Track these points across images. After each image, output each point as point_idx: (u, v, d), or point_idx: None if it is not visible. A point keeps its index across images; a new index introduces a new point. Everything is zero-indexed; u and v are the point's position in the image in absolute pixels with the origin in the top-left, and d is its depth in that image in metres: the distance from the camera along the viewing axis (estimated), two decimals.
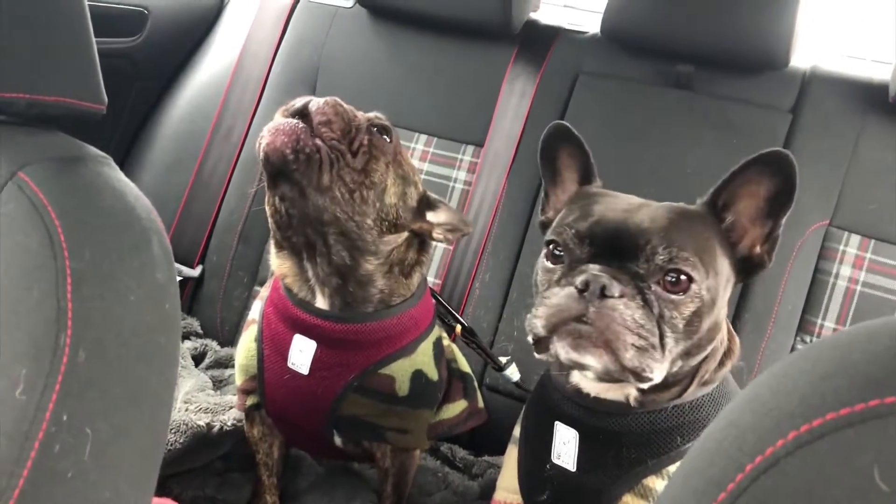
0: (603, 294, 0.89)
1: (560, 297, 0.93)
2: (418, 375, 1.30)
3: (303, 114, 1.14)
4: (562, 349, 0.93)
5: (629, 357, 0.90)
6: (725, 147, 1.75)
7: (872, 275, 1.62)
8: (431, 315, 1.38)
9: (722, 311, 0.98)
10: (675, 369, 0.96)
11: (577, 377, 1.06)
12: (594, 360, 0.92)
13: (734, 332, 1.09)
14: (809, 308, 1.65)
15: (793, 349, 1.65)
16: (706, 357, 1.02)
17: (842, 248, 1.65)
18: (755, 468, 0.44)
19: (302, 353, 1.26)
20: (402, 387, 1.28)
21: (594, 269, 0.92)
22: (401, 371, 1.28)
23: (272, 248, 1.28)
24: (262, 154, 1.12)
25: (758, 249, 1.01)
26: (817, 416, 0.43)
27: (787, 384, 0.47)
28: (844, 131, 1.70)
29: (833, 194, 1.68)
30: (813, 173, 1.69)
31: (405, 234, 1.27)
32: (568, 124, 1.10)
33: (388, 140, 1.22)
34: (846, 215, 1.67)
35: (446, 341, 1.50)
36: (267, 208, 1.21)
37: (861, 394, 0.42)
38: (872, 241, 1.63)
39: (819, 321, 1.64)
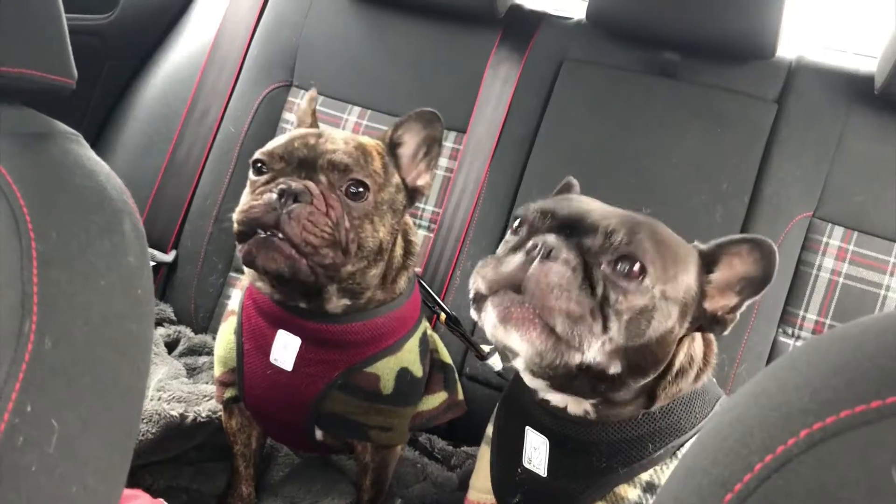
0: (548, 258, 0.87)
1: (507, 256, 0.91)
2: (403, 373, 1.28)
3: (282, 195, 1.11)
4: (490, 319, 0.89)
5: (559, 322, 0.85)
6: (710, 136, 1.74)
7: (855, 267, 1.62)
8: (419, 312, 1.35)
9: (674, 332, 0.94)
10: (613, 370, 0.91)
11: (538, 385, 1.01)
12: (519, 338, 0.87)
13: (712, 341, 1.07)
14: (792, 300, 1.65)
15: (775, 341, 1.64)
16: (678, 375, 0.99)
17: (825, 239, 1.65)
18: (765, 467, 0.42)
19: (286, 349, 1.23)
20: (387, 385, 1.25)
21: (548, 236, 0.90)
22: (386, 369, 1.25)
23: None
24: (254, 266, 1.13)
25: (719, 314, 0.99)
26: (830, 413, 0.41)
27: (795, 378, 0.45)
28: (829, 123, 1.70)
29: (817, 186, 1.67)
30: (797, 164, 1.68)
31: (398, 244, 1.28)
32: (576, 183, 1.16)
33: (365, 197, 1.16)
34: (830, 207, 1.66)
35: (428, 331, 1.47)
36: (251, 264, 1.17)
37: (876, 389, 0.40)
38: (856, 234, 1.63)
39: (801, 313, 1.64)
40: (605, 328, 0.87)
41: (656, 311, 0.90)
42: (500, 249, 0.98)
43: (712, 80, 1.79)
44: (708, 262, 0.98)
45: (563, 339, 0.86)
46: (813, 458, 0.40)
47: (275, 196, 1.09)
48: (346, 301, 1.21)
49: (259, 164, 1.17)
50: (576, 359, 0.88)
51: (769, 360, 1.63)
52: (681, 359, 0.99)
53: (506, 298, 0.88)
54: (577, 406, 1.00)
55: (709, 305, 0.98)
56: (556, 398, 1.01)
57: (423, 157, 1.26)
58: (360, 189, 1.15)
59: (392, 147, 1.25)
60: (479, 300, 0.92)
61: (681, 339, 0.98)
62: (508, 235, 0.99)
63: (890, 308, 1.58)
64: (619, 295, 0.88)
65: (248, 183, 1.17)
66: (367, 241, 1.16)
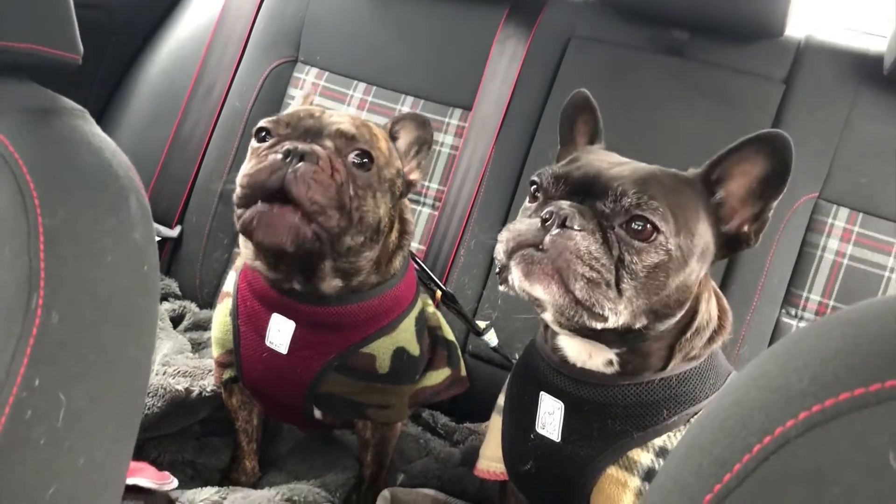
0: (564, 225, 0.90)
1: (524, 224, 0.94)
2: (400, 352, 1.28)
3: (286, 157, 1.08)
4: (515, 275, 0.93)
5: (579, 287, 0.89)
6: (717, 115, 1.73)
7: (859, 248, 1.62)
8: (414, 290, 1.36)
9: (693, 276, 0.96)
10: (639, 324, 0.94)
11: (561, 342, 1.05)
12: (543, 291, 0.91)
13: (727, 309, 1.08)
14: (795, 280, 1.65)
15: (778, 321, 1.64)
16: (691, 333, 1.01)
17: (830, 220, 1.64)
18: (763, 448, 0.42)
19: (280, 333, 1.23)
20: (383, 364, 1.26)
21: (562, 203, 0.92)
22: (382, 349, 1.26)
23: (242, 238, 1.22)
24: (252, 238, 1.10)
25: (745, 228, 0.99)
26: (830, 395, 0.41)
27: (796, 361, 0.45)
28: (837, 103, 1.68)
29: (824, 167, 1.66)
30: (804, 145, 1.67)
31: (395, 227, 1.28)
32: (588, 94, 1.14)
33: (369, 168, 1.16)
34: (836, 188, 1.65)
35: (431, 308, 1.48)
36: (243, 240, 1.18)
37: (876, 373, 0.40)
38: (861, 215, 1.63)
39: (805, 294, 1.64)
40: (620, 291, 0.90)
41: (672, 261, 0.92)
42: (520, 215, 1.01)
43: (720, 58, 1.78)
44: (712, 183, 0.98)
45: (581, 302, 0.90)
46: (811, 440, 0.40)
47: (280, 156, 1.07)
48: (340, 282, 1.21)
49: (263, 133, 1.15)
50: (598, 325, 0.92)
51: (772, 341, 1.63)
52: (701, 315, 1.01)
53: (527, 255, 0.91)
54: (600, 357, 1.02)
55: (732, 224, 0.99)
56: (580, 351, 1.03)
57: (414, 155, 1.28)
58: (366, 160, 1.15)
59: (391, 139, 1.27)
60: (503, 269, 0.95)
61: (699, 294, 1.00)
62: (527, 202, 1.02)
63: (893, 289, 1.58)
64: (634, 255, 0.91)
65: (250, 150, 1.16)
66: (368, 216, 1.15)
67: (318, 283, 1.20)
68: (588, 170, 0.96)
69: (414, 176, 1.28)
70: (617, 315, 0.92)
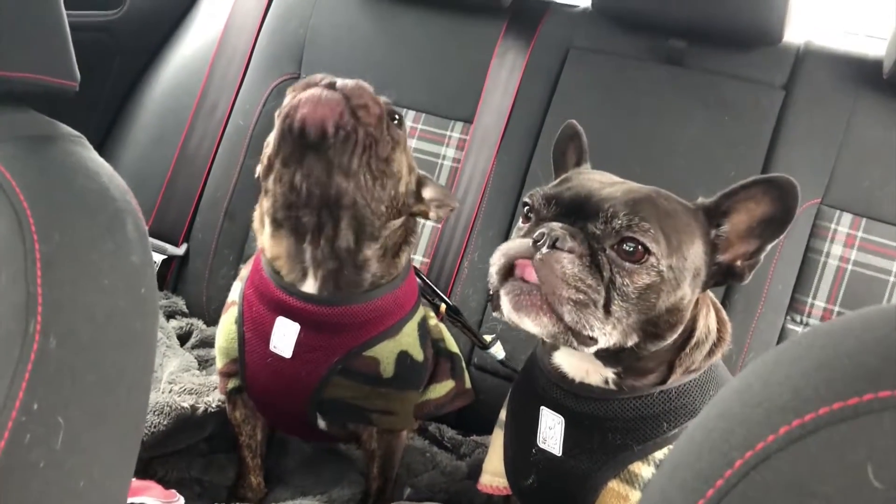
0: (554, 246, 0.90)
1: (515, 243, 0.95)
2: (403, 357, 1.29)
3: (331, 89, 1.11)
4: (505, 307, 0.94)
5: (567, 311, 0.89)
6: (717, 123, 1.73)
7: (864, 254, 1.61)
8: (416, 296, 1.36)
9: (685, 300, 0.96)
10: (630, 342, 0.95)
11: (558, 359, 1.06)
12: (532, 323, 0.92)
13: (727, 321, 1.08)
14: (800, 287, 1.64)
15: (783, 329, 1.64)
16: (694, 346, 1.01)
17: (833, 226, 1.64)
18: (745, 463, 0.42)
19: (284, 337, 1.24)
20: (387, 368, 1.27)
21: (553, 224, 0.93)
22: (385, 352, 1.26)
23: (266, 227, 1.24)
24: (295, 124, 1.08)
25: (738, 263, 1.00)
26: (809, 410, 0.41)
27: (778, 374, 0.46)
28: (837, 108, 1.68)
29: (825, 172, 1.66)
30: (805, 150, 1.67)
31: (403, 218, 1.26)
32: (576, 123, 1.15)
33: (402, 130, 1.21)
34: (838, 193, 1.65)
35: (433, 321, 1.49)
36: (274, 186, 1.17)
37: (855, 387, 0.40)
38: (864, 220, 1.62)
39: (809, 300, 1.63)
40: (609, 313, 0.91)
41: (664, 283, 0.92)
42: (514, 236, 1.01)
43: (719, 66, 1.78)
44: (717, 215, 0.99)
45: (570, 327, 0.90)
46: (792, 454, 0.41)
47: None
48: (352, 240, 1.19)
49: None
50: (588, 349, 0.93)
51: None
52: (700, 330, 1.02)
53: (516, 286, 0.92)
54: (598, 375, 1.02)
55: (726, 257, 1.00)
56: (577, 369, 1.04)
57: (434, 207, 1.32)
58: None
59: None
60: (495, 296, 0.96)
61: (697, 310, 1.01)
62: (520, 223, 1.02)
63: None
64: (626, 277, 0.91)
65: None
66: (394, 165, 1.18)
67: (335, 241, 1.19)
68: (579, 190, 0.97)
69: (431, 214, 1.31)
70: (606, 336, 0.92)
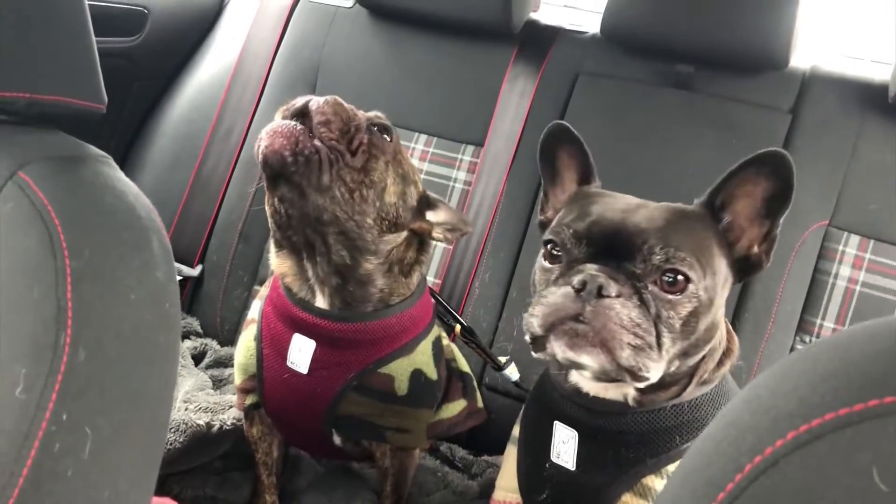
0: (600, 294, 0.90)
1: (557, 296, 0.93)
2: (417, 374, 1.30)
3: (303, 114, 1.14)
4: (559, 348, 0.93)
5: (626, 356, 0.89)
6: (725, 147, 1.75)
7: (872, 275, 1.62)
8: (430, 314, 1.38)
9: (720, 311, 0.98)
10: (672, 369, 0.97)
11: (575, 377, 1.07)
12: (590, 360, 0.92)
13: (733, 332, 1.09)
14: (809, 308, 1.65)
15: (792, 349, 1.65)
16: (704, 356, 1.02)
17: (841, 248, 1.65)
18: (754, 468, 0.44)
19: (301, 353, 1.26)
20: (402, 386, 1.28)
21: (591, 268, 0.92)
22: (400, 370, 1.28)
23: (272, 247, 1.28)
24: (260, 157, 1.11)
25: (755, 249, 1.01)
26: (816, 416, 0.43)
27: (785, 384, 0.47)
28: (844, 132, 1.70)
29: (833, 194, 1.67)
30: (813, 173, 1.69)
31: (405, 234, 1.26)
32: (567, 124, 1.10)
33: (388, 139, 1.21)
34: (846, 215, 1.67)
35: (446, 341, 1.50)
36: (267, 208, 1.21)
37: (860, 394, 0.42)
38: (872, 242, 1.63)
39: (819, 321, 1.64)
40: (661, 347, 0.92)
41: (702, 306, 0.93)
42: (540, 280, 1.00)
43: (726, 91, 1.81)
44: (717, 209, 0.99)
45: (627, 368, 0.91)
46: (799, 459, 0.42)
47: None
48: (347, 256, 1.20)
49: None
50: (641, 385, 0.95)
51: None
52: (716, 339, 1.02)
53: (569, 329, 0.91)
54: (618, 391, 1.03)
55: (742, 245, 1.00)
56: (596, 387, 1.04)
57: (443, 231, 1.32)
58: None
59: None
60: (538, 340, 0.95)
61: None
62: (546, 263, 1.00)
63: None
64: (671, 310, 0.92)
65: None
66: (374, 174, 1.18)
67: (330, 256, 1.20)
68: (605, 225, 0.95)
69: (436, 234, 1.31)
70: (659, 372, 0.93)
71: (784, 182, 0.94)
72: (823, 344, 0.48)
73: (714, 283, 0.95)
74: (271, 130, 1.11)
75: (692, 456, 0.51)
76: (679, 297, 0.92)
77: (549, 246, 1.00)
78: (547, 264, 1.00)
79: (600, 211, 0.98)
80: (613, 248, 0.94)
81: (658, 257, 0.91)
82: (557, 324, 0.92)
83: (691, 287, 0.92)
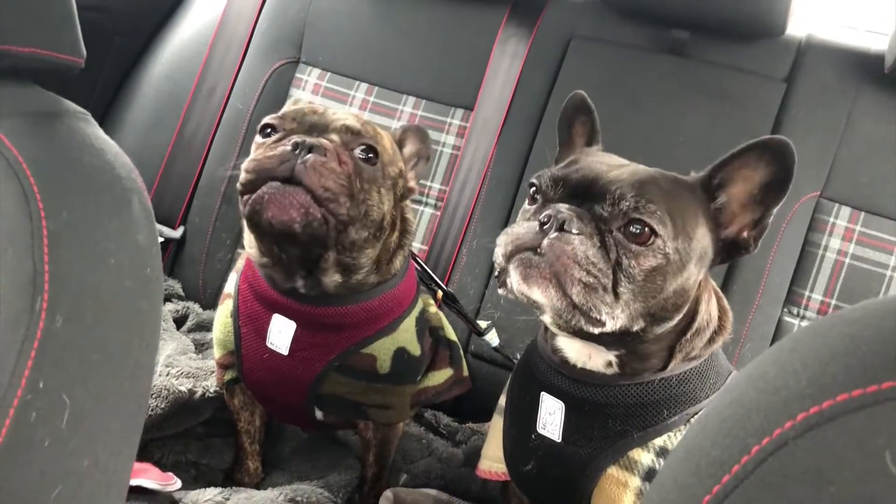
0: (562, 229, 0.90)
1: (522, 227, 0.94)
2: (400, 353, 1.28)
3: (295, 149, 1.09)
4: (514, 279, 0.93)
5: (576, 292, 0.89)
6: (718, 115, 1.73)
7: (861, 247, 1.62)
8: (414, 291, 1.36)
9: (690, 279, 0.97)
10: (636, 328, 0.95)
11: (561, 342, 1.06)
12: (540, 294, 0.91)
13: (728, 309, 1.08)
14: (797, 280, 1.65)
15: (780, 321, 1.65)
16: (691, 334, 1.01)
17: (832, 220, 1.64)
18: (762, 449, 0.42)
19: (281, 334, 1.23)
20: (384, 365, 1.27)
21: (560, 206, 0.93)
22: (383, 349, 1.26)
23: (253, 243, 1.23)
24: (263, 222, 1.08)
25: (745, 234, 1.00)
26: (828, 397, 0.41)
27: (794, 362, 0.46)
28: (838, 102, 1.68)
29: (825, 166, 1.66)
30: (805, 144, 1.67)
31: (396, 230, 1.28)
32: (585, 95, 1.14)
33: (375, 162, 1.18)
34: (837, 187, 1.66)
35: (433, 309, 1.48)
36: (251, 235, 1.19)
37: (873, 375, 0.40)
38: (862, 214, 1.63)
39: (807, 293, 1.64)
40: (617, 295, 0.91)
41: (670, 265, 0.92)
42: (520, 218, 1.01)
43: (721, 58, 1.78)
44: (713, 188, 0.99)
45: (578, 307, 0.90)
46: (810, 441, 0.41)
47: (289, 148, 1.08)
48: (340, 277, 1.21)
49: (268, 129, 1.16)
50: (595, 329, 0.93)
51: (774, 340, 1.64)
52: (701, 316, 1.02)
53: (525, 259, 0.92)
54: (600, 358, 1.03)
55: (732, 229, 1.00)
56: (580, 352, 1.04)
57: (413, 166, 1.31)
58: (371, 155, 1.16)
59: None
60: (502, 272, 0.96)
61: (699, 294, 1.01)
62: (526, 205, 1.02)
63: (895, 288, 1.58)
64: (632, 259, 0.91)
65: (254, 146, 1.16)
66: (373, 210, 1.16)
67: (319, 277, 1.20)
68: (586, 172, 0.96)
69: (412, 183, 1.31)
70: (614, 319, 0.92)
71: (784, 171, 0.93)
72: (833, 319, 0.47)
73: (688, 248, 0.94)
74: (276, 197, 1.06)
75: (695, 433, 0.49)
76: (643, 248, 0.91)
77: (532, 189, 1.01)
78: (526, 205, 1.02)
79: (588, 162, 1.00)
80: (588, 193, 0.94)
81: (626, 203, 0.91)
82: (515, 253, 0.93)
83: (658, 242, 0.91)
